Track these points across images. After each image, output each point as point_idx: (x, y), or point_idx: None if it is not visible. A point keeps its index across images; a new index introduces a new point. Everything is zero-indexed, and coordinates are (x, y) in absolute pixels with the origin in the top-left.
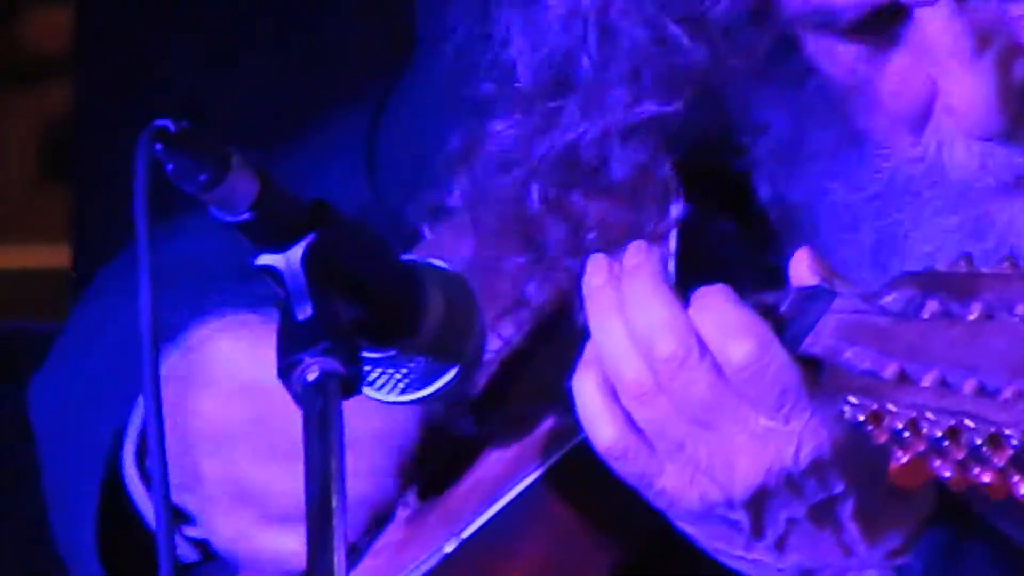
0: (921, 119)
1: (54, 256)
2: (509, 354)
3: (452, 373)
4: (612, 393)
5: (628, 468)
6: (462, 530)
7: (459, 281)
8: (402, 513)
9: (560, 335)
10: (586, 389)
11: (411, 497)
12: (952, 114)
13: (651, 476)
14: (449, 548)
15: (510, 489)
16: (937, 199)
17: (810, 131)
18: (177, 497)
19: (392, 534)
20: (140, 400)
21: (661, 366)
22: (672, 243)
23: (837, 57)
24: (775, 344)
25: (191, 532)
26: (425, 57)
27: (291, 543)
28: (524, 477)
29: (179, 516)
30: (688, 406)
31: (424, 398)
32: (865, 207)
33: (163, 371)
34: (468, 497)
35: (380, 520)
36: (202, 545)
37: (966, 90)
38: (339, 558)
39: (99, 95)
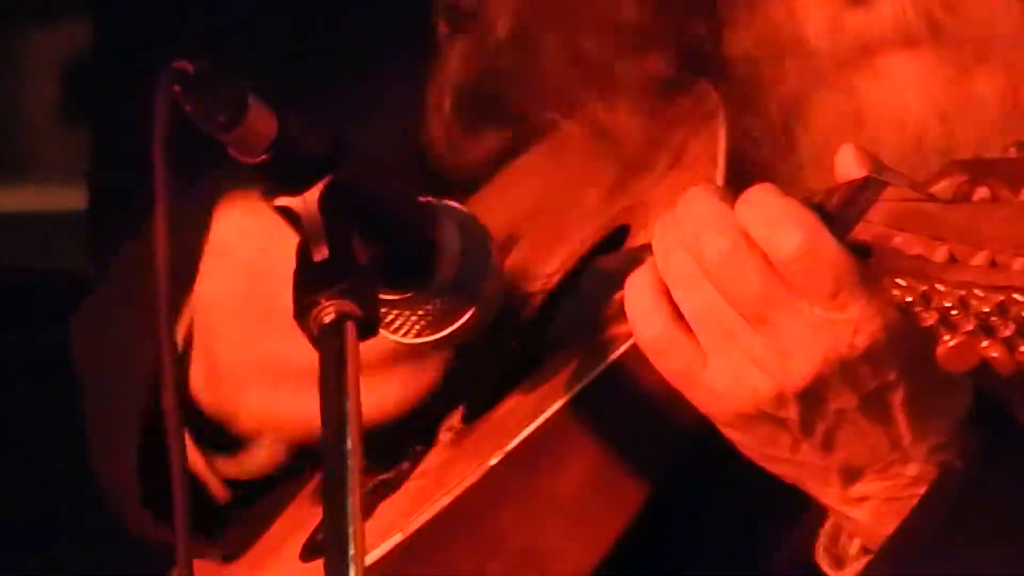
0: None
1: (71, 198)
2: (552, 287)
3: (469, 314)
4: (661, 291)
5: (672, 363)
6: (506, 445)
7: (475, 222)
8: (446, 437)
9: (599, 269)
10: (636, 287)
11: (455, 420)
12: None
13: (696, 371)
14: (494, 461)
15: (550, 408)
16: (802, 68)
17: None
18: (199, 389)
19: (437, 456)
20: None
21: (709, 262)
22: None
23: None
24: (825, 232)
25: (223, 467)
26: None
27: (309, 403)
28: (564, 396)
29: (213, 449)
30: (739, 299)
31: (441, 339)
32: (762, 66)
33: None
34: (509, 419)
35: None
36: (233, 485)
37: None
38: (354, 498)
39: (120, 33)
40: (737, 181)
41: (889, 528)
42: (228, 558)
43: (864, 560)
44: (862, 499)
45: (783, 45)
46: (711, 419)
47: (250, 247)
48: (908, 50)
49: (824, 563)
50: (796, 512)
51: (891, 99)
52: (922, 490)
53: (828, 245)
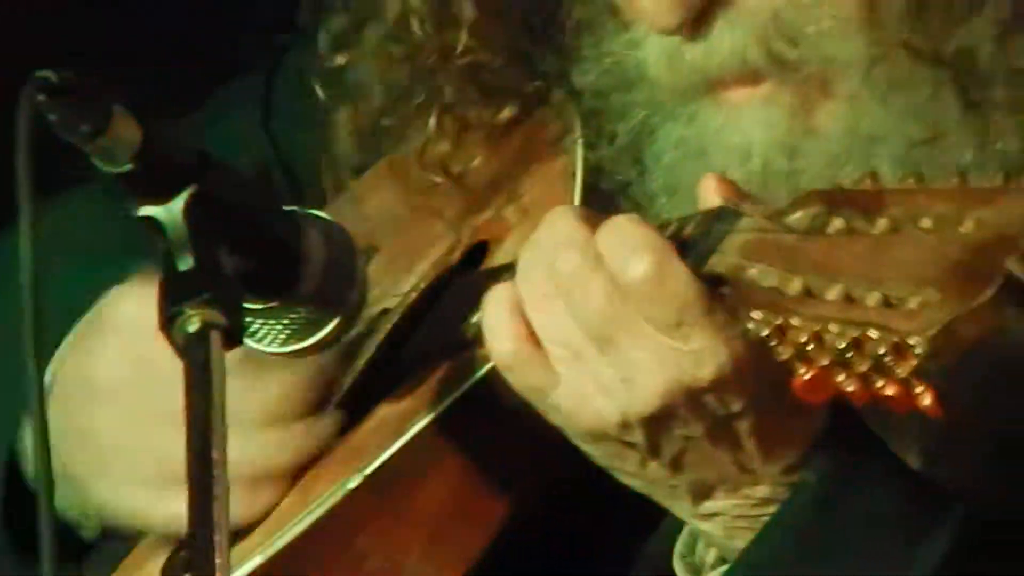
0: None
1: None
2: (411, 303)
3: (334, 324)
4: (517, 309)
5: (524, 379)
6: (365, 468)
7: (341, 232)
8: None
9: (459, 287)
10: (492, 304)
11: None
12: (635, 6)
13: (547, 388)
14: (353, 484)
15: (410, 429)
16: (639, 95)
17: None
18: (69, 460)
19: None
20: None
21: (560, 277)
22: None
23: None
24: (674, 261)
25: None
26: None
27: (176, 506)
28: (424, 418)
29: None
30: (586, 317)
31: (306, 349)
32: (611, 97)
33: (76, 326)
34: (371, 437)
35: None
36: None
37: None
38: (220, 508)
39: None
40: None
41: (741, 542)
42: None
43: (720, 569)
44: (713, 515)
45: (628, 77)
46: (568, 434)
47: (142, 337)
48: (750, 83)
49: (680, 571)
50: (656, 520)
51: (734, 130)
52: (772, 509)
53: (675, 274)
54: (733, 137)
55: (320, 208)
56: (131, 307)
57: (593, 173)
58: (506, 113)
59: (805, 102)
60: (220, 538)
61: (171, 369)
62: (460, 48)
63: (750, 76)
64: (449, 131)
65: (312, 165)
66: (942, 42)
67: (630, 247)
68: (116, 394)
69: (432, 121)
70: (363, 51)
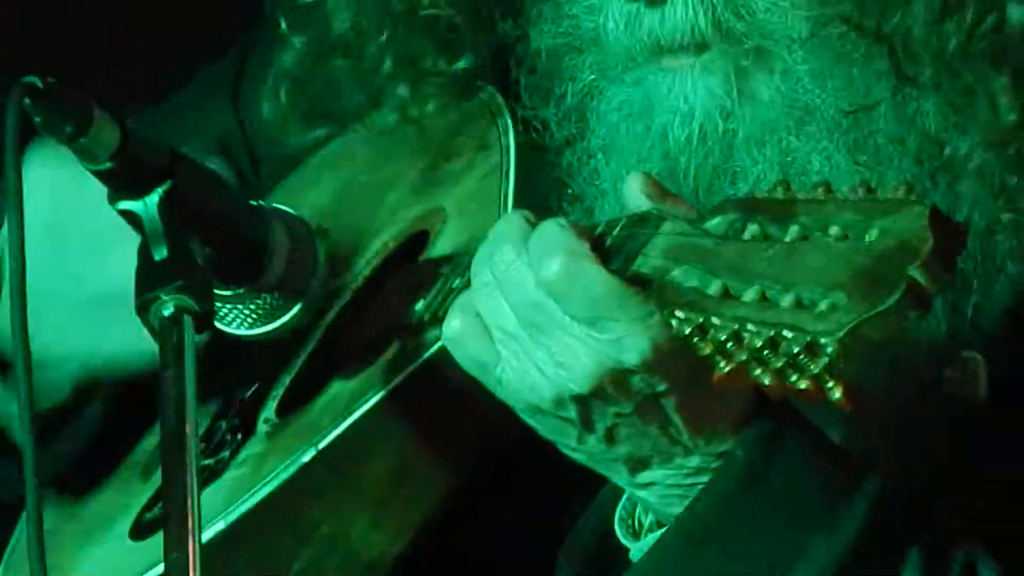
0: None
1: None
2: (361, 287)
3: (296, 308)
4: (464, 293)
5: (468, 355)
6: (318, 442)
7: (303, 225)
8: (264, 428)
9: (402, 273)
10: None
11: (269, 412)
12: None
13: (489, 364)
14: (306, 458)
15: (360, 407)
16: (598, 65)
17: None
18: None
19: (255, 446)
20: None
21: (497, 267)
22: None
23: None
24: (585, 262)
25: None
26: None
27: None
28: (373, 396)
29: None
30: (516, 306)
31: (271, 332)
32: (564, 60)
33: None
34: (323, 414)
35: (247, 424)
36: None
37: None
38: (192, 476)
39: None
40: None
41: (675, 509)
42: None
43: (657, 532)
44: (649, 484)
45: (583, 39)
46: (518, 414)
47: (56, 181)
48: (694, 51)
49: (621, 533)
50: (596, 488)
51: (678, 94)
52: (704, 479)
53: (586, 273)
54: (676, 101)
55: (278, 182)
56: (41, 162)
57: (530, 136)
58: (461, 64)
59: (743, 71)
60: (191, 500)
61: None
62: (425, 2)
63: (696, 44)
64: (407, 76)
65: (277, 141)
66: (882, 19)
67: (547, 249)
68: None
69: (388, 63)
70: None
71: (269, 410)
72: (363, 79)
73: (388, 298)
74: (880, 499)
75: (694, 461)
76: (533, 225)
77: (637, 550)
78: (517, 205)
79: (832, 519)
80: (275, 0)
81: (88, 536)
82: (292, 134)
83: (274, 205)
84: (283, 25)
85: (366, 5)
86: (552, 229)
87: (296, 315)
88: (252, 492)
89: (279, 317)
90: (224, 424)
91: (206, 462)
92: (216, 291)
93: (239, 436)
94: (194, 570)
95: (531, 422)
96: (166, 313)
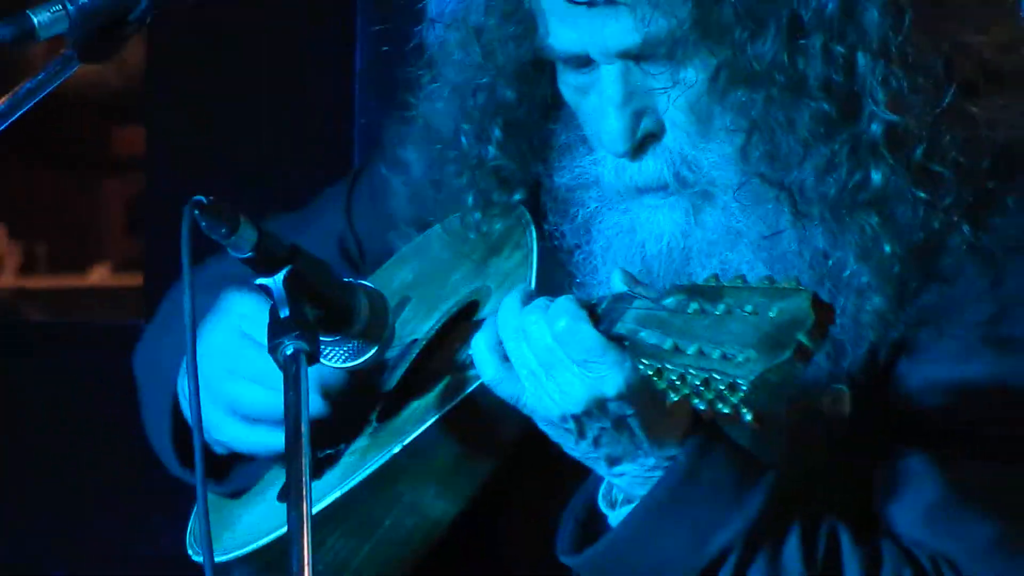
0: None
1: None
2: (432, 338)
3: (373, 350)
4: (496, 347)
5: (504, 390)
6: (403, 440)
7: (379, 295)
8: (368, 430)
9: (459, 329)
10: (478, 345)
11: (373, 420)
12: (600, 138)
13: (518, 396)
14: (396, 450)
15: (431, 418)
16: (599, 198)
17: (571, 131)
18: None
19: (362, 442)
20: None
21: (525, 327)
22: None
23: (566, 84)
24: (582, 323)
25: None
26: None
27: (265, 437)
28: (439, 411)
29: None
30: (538, 348)
31: (358, 365)
32: (576, 192)
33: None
34: (407, 422)
35: (357, 428)
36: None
37: (609, 125)
38: (306, 470)
39: (166, 184)
40: (552, 269)
41: (640, 492)
42: (234, 496)
43: (628, 506)
44: (621, 475)
45: (589, 180)
46: (535, 421)
47: (242, 316)
48: (662, 191)
49: (604, 505)
50: (586, 472)
51: (652, 221)
52: (659, 473)
53: (581, 331)
54: (652, 225)
55: (380, 264)
56: (230, 302)
57: (553, 242)
58: (516, 197)
59: (696, 206)
60: (306, 482)
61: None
62: (490, 157)
63: (663, 188)
64: (480, 206)
65: (377, 237)
66: (784, 175)
67: (559, 312)
68: (216, 353)
69: (470, 199)
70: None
71: (373, 418)
72: (448, 206)
73: (450, 345)
74: (774, 488)
75: (651, 461)
76: (529, 300)
77: (613, 517)
78: (539, 288)
79: (743, 501)
80: (378, 151)
81: (252, 499)
82: (390, 237)
83: (359, 280)
84: (384, 171)
85: (449, 158)
86: (565, 300)
87: (374, 355)
88: (359, 472)
89: (363, 356)
90: (344, 428)
91: (328, 451)
92: (321, 338)
93: (351, 435)
94: (307, 527)
95: (544, 429)
96: (288, 352)
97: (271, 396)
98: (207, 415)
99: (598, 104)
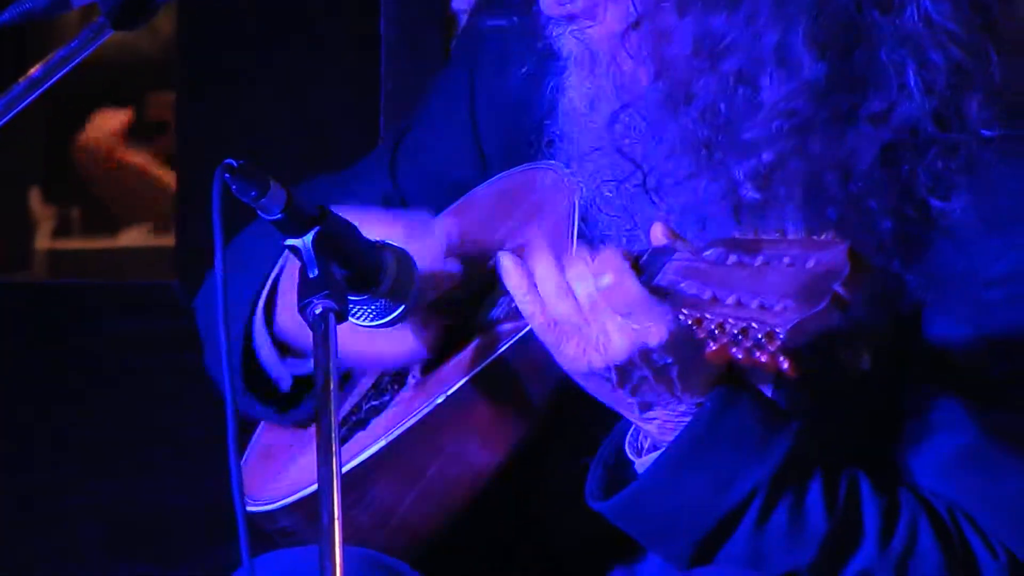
0: None
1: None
2: (477, 288)
3: (401, 309)
4: (538, 295)
5: (549, 338)
6: (448, 390)
7: (405, 255)
8: (412, 381)
9: (496, 286)
10: (523, 295)
11: (417, 371)
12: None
13: (561, 344)
14: (440, 400)
15: (477, 367)
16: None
17: None
18: (285, 318)
19: (407, 392)
20: (262, 292)
21: (571, 280)
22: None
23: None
24: (627, 275)
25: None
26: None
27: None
28: (486, 359)
29: (287, 351)
30: (583, 302)
31: (384, 323)
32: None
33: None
34: (451, 373)
35: (400, 379)
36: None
37: None
38: (336, 421)
39: (195, 149)
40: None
41: (668, 437)
42: (298, 424)
43: (654, 453)
44: (652, 419)
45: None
46: (569, 373)
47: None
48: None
49: (630, 452)
50: (614, 420)
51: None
52: (687, 419)
53: (627, 282)
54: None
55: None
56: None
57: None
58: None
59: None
60: (335, 439)
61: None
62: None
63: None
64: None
65: (423, 196)
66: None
67: (603, 267)
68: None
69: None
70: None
71: (416, 371)
72: (492, 164)
73: (494, 298)
74: (798, 436)
75: (682, 407)
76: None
77: (640, 464)
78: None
79: (767, 447)
80: (423, 110)
81: (309, 442)
82: (435, 194)
83: (386, 241)
84: (427, 131)
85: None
86: (607, 254)
87: (401, 313)
88: (403, 422)
89: (390, 314)
90: (387, 379)
91: (373, 403)
92: (349, 297)
93: (395, 387)
94: (338, 480)
95: (583, 382)
96: (317, 312)
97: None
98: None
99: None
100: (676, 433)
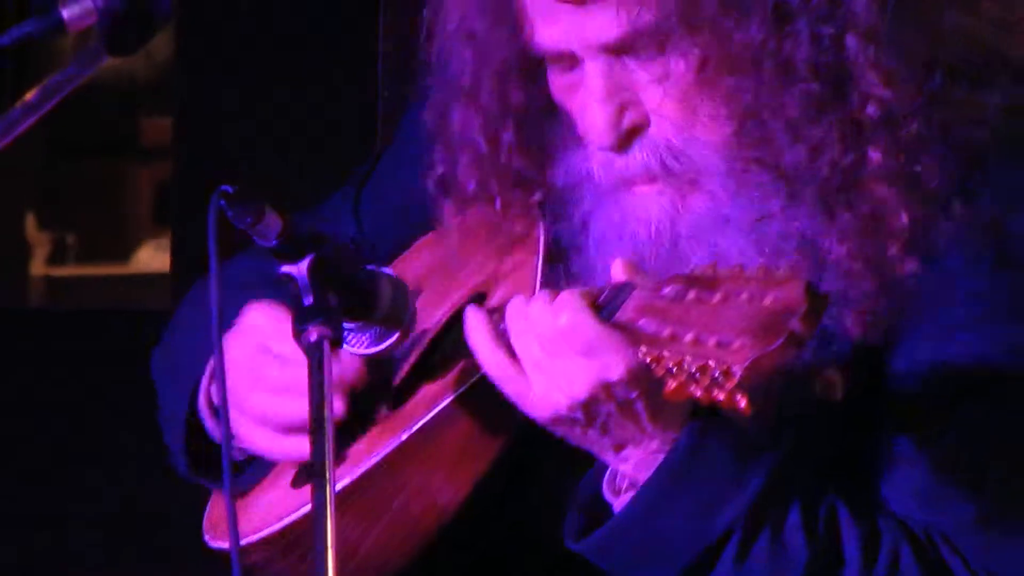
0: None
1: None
2: (442, 327)
3: (395, 337)
4: (500, 342)
5: (509, 387)
6: (413, 426)
7: (400, 283)
8: (380, 417)
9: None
10: (483, 342)
11: (385, 408)
12: (588, 134)
13: (523, 391)
14: (405, 436)
15: (442, 401)
16: (592, 196)
17: (563, 126)
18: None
19: (374, 428)
20: (208, 361)
21: (532, 322)
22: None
23: (554, 85)
24: (584, 314)
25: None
26: (391, 152)
27: (291, 446)
28: (448, 397)
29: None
30: (542, 340)
31: (380, 351)
32: (572, 192)
33: (225, 336)
34: (417, 408)
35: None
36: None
37: (594, 120)
38: (330, 448)
39: (191, 175)
40: (555, 266)
41: (644, 475)
42: (242, 494)
43: (631, 492)
44: (627, 459)
45: (581, 178)
46: (540, 423)
47: (267, 335)
48: (650, 182)
49: (608, 492)
50: (589, 464)
51: (642, 210)
52: (661, 456)
53: (584, 322)
54: (639, 212)
55: (394, 259)
56: (252, 318)
57: (556, 237)
58: (535, 197)
59: (683, 194)
60: (330, 463)
61: (288, 352)
62: (503, 160)
63: (651, 177)
64: (496, 205)
65: (388, 236)
66: (775, 158)
67: (561, 307)
68: (240, 368)
69: (485, 199)
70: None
71: (384, 408)
72: (460, 204)
73: (459, 334)
74: (774, 466)
75: (655, 445)
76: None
77: (618, 504)
78: (543, 281)
79: (744, 479)
80: (387, 150)
81: (264, 490)
82: (401, 234)
83: (381, 269)
84: (394, 170)
85: (463, 161)
86: (566, 296)
87: (395, 341)
88: (369, 458)
89: (384, 341)
90: (352, 416)
91: (341, 440)
92: (344, 325)
93: (363, 423)
94: (331, 505)
95: (550, 427)
96: (312, 339)
97: (301, 405)
98: (235, 428)
99: (584, 100)
100: (653, 470)
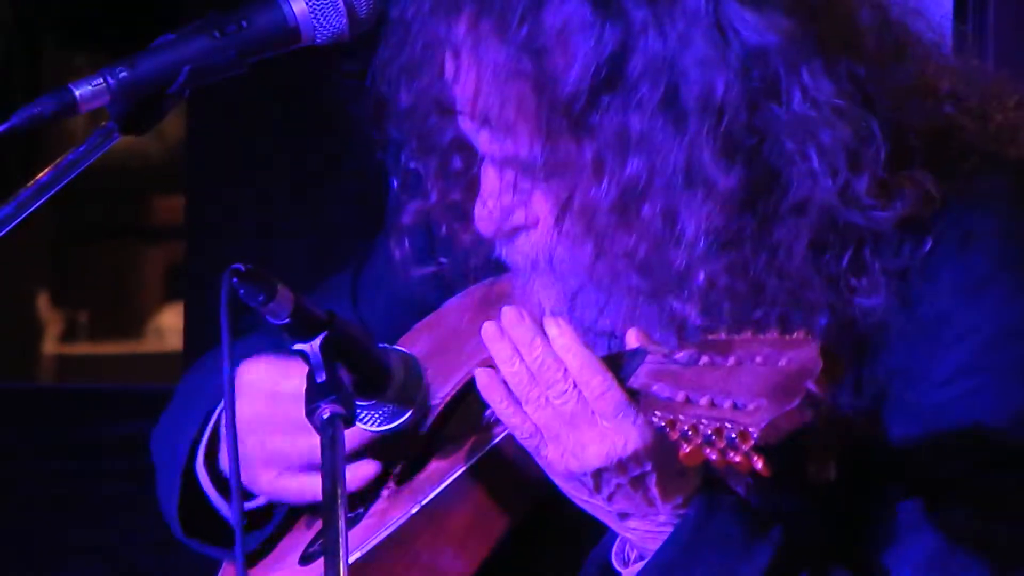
0: None
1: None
2: (449, 402)
3: (408, 414)
4: (518, 404)
5: (529, 444)
6: (422, 500)
7: (412, 359)
8: (386, 493)
9: (476, 391)
10: (502, 404)
11: (391, 483)
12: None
13: (540, 450)
14: (415, 510)
15: (451, 475)
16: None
17: None
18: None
19: (381, 504)
20: (204, 429)
21: (549, 386)
22: None
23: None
24: (612, 380)
25: (247, 503)
26: (384, 244)
27: (304, 483)
28: (456, 471)
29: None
30: (562, 412)
31: (393, 428)
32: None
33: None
34: (425, 482)
35: (373, 495)
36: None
37: (479, 211)
38: (343, 523)
39: (204, 253)
40: None
41: (652, 546)
42: (249, 567)
43: (640, 563)
44: (631, 529)
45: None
46: (550, 475)
47: (271, 382)
48: (533, 269)
49: (617, 562)
50: (600, 533)
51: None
52: (669, 529)
53: (613, 387)
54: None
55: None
56: (252, 372)
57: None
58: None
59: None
60: (343, 539)
61: (288, 402)
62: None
63: (532, 266)
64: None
65: (386, 321)
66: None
67: (592, 370)
68: (257, 424)
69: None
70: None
71: (390, 482)
72: (456, 280)
73: (467, 408)
74: (783, 540)
75: (662, 517)
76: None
77: (627, 574)
78: None
79: (752, 553)
80: (380, 235)
81: (270, 566)
82: (391, 321)
83: (393, 347)
84: (382, 251)
85: (445, 238)
86: (590, 358)
87: (408, 418)
88: (378, 533)
89: (398, 419)
90: (360, 493)
91: (350, 515)
92: (356, 402)
93: (369, 499)
94: None
95: (560, 484)
96: (325, 417)
97: (314, 440)
98: (251, 478)
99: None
100: (660, 541)
